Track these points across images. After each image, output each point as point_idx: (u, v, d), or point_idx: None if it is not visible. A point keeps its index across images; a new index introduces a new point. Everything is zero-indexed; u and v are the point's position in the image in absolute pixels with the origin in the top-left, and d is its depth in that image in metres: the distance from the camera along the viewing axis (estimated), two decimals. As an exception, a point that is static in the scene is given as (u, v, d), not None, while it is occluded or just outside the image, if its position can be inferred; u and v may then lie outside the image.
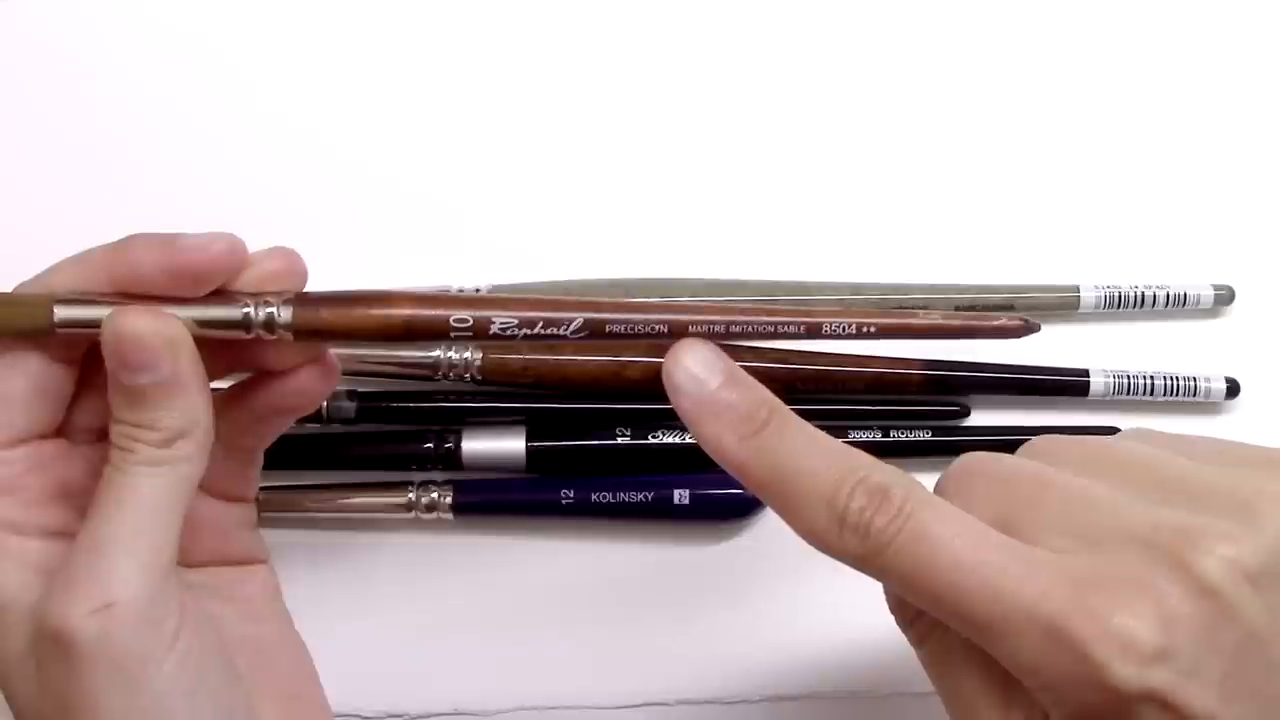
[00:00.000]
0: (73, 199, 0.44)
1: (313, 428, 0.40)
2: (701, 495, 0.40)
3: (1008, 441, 0.41)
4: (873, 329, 0.30)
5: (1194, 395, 0.41)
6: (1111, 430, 0.41)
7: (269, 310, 0.29)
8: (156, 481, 0.28)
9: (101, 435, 0.31)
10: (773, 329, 0.30)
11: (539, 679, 0.40)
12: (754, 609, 0.41)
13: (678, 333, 0.30)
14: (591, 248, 0.43)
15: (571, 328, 0.30)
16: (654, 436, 0.40)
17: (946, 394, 0.42)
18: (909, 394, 0.42)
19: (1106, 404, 0.42)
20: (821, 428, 0.40)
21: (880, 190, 0.44)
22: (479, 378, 0.40)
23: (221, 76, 0.45)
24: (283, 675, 0.33)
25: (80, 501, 0.30)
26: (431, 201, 0.43)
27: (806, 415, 0.41)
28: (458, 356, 0.40)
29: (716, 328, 0.30)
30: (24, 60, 0.45)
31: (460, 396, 0.41)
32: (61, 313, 0.29)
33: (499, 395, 0.41)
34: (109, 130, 0.44)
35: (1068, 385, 0.41)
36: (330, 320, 0.29)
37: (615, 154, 0.44)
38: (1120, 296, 0.42)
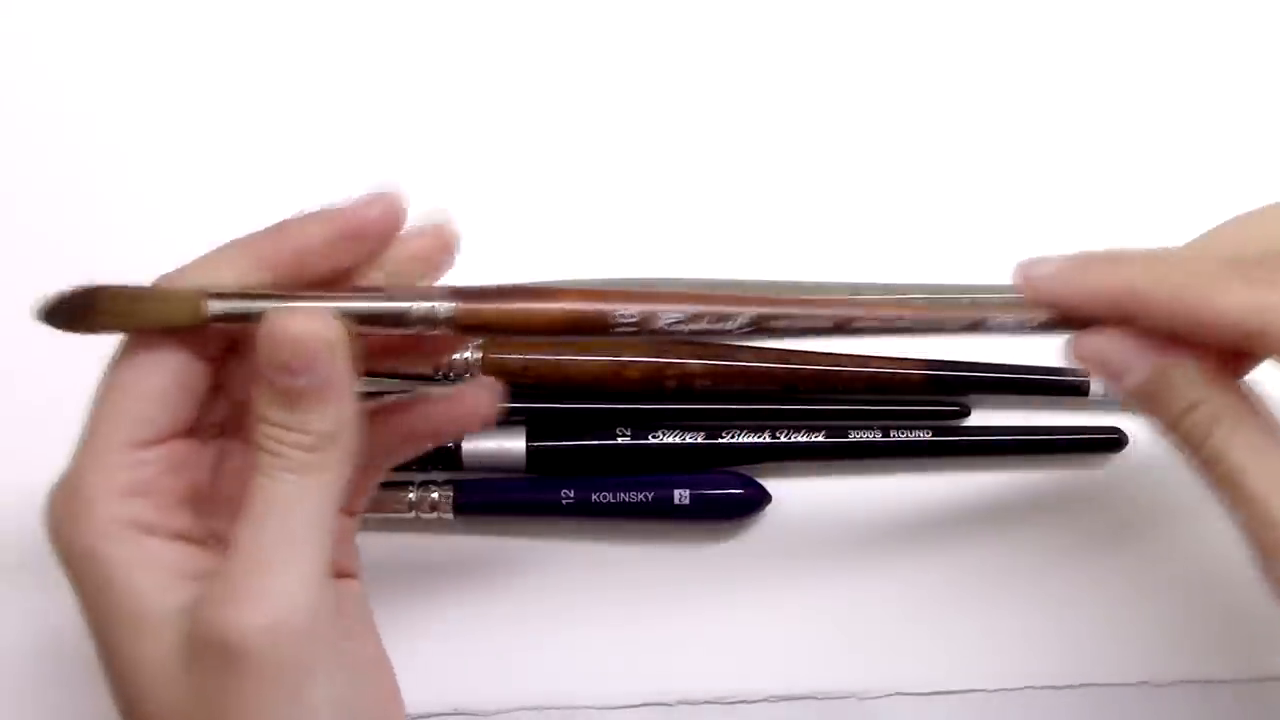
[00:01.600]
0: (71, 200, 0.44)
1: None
2: (701, 495, 0.40)
3: (1008, 442, 0.42)
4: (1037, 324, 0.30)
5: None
6: (1112, 430, 0.41)
7: (429, 305, 0.28)
8: (310, 488, 0.28)
9: (223, 430, 0.31)
10: (938, 325, 0.30)
11: (539, 679, 0.40)
12: (754, 609, 0.41)
13: (842, 328, 0.30)
14: (591, 247, 0.43)
15: (738, 323, 0.29)
16: (654, 436, 0.40)
17: (946, 394, 0.42)
18: (909, 394, 0.42)
19: (1107, 404, 0.42)
20: (821, 427, 0.41)
21: (880, 191, 0.44)
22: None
23: (216, 78, 0.45)
24: (376, 693, 0.33)
25: (206, 504, 0.30)
26: (433, 200, 0.43)
27: (807, 415, 0.41)
28: (458, 357, 0.40)
29: (881, 324, 0.30)
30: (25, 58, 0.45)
31: (460, 396, 0.41)
32: (214, 306, 0.28)
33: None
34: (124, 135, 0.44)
35: (1068, 385, 0.41)
36: (492, 315, 0.29)
37: (614, 155, 0.44)
38: None
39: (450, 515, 0.40)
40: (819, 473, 0.42)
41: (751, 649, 0.41)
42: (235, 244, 0.29)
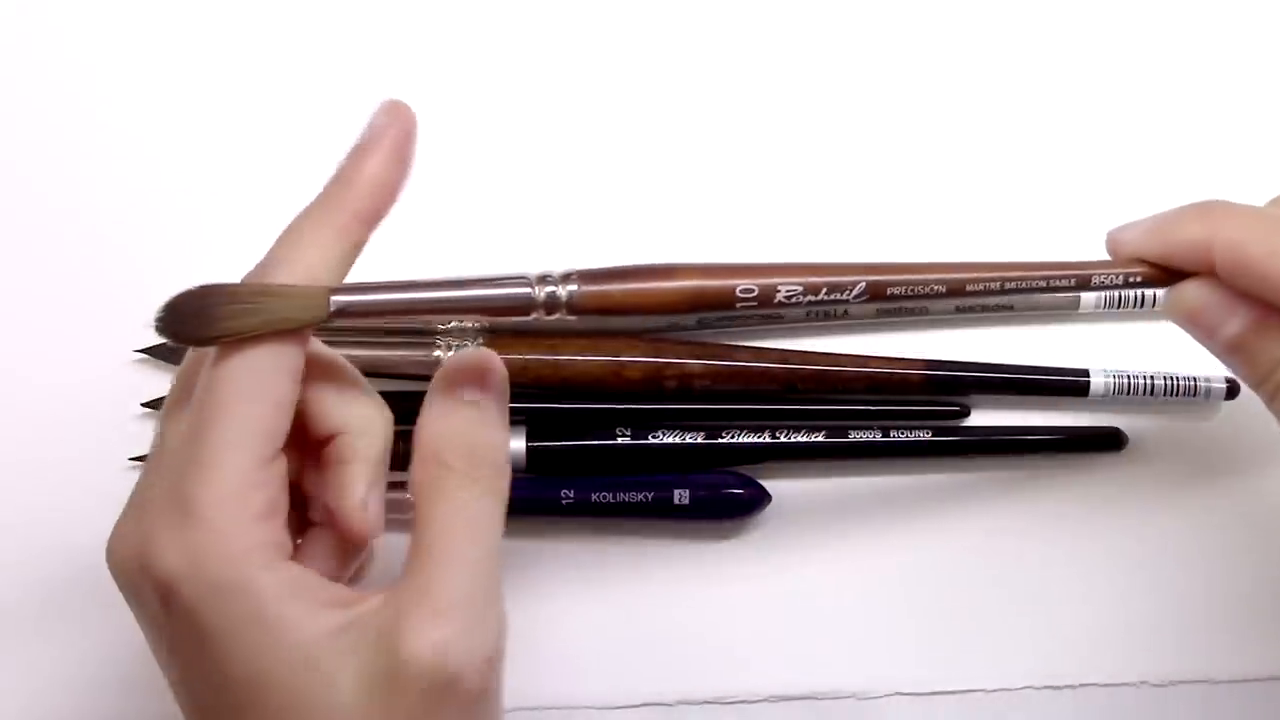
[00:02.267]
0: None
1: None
2: (701, 495, 0.40)
3: (1008, 442, 0.42)
4: (1139, 278, 0.31)
5: (1194, 395, 0.41)
6: (1112, 430, 0.41)
7: (551, 289, 0.28)
8: (490, 510, 0.28)
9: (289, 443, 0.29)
10: (1045, 283, 0.31)
11: (538, 679, 0.40)
12: (754, 609, 0.41)
13: (955, 292, 0.30)
14: (594, 241, 0.43)
15: (854, 292, 0.29)
16: (654, 436, 0.40)
17: (946, 394, 0.42)
18: (909, 394, 0.42)
19: (1106, 404, 0.42)
20: (821, 427, 0.41)
21: (882, 190, 0.44)
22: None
23: (222, 71, 0.45)
24: None
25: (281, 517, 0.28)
26: (436, 197, 0.43)
27: (807, 415, 0.41)
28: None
29: (992, 284, 0.30)
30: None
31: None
32: (336, 301, 0.27)
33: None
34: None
35: (1068, 385, 0.41)
36: (618, 296, 0.29)
37: (620, 148, 0.44)
38: (1120, 297, 0.42)
39: (450, 515, 0.40)
40: (819, 473, 0.42)
41: (751, 649, 0.41)
42: (308, 219, 0.28)
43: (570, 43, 0.45)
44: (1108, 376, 0.41)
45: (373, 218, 0.28)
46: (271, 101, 0.44)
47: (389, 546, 0.41)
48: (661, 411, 0.41)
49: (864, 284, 0.30)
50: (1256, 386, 0.30)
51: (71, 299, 0.42)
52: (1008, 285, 0.31)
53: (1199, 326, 0.30)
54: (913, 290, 0.30)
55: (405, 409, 0.40)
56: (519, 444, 0.40)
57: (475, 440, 0.28)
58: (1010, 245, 0.43)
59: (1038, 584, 0.41)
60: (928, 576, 0.41)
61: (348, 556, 0.31)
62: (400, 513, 0.40)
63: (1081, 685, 0.40)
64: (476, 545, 0.27)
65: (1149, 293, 0.42)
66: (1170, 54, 0.45)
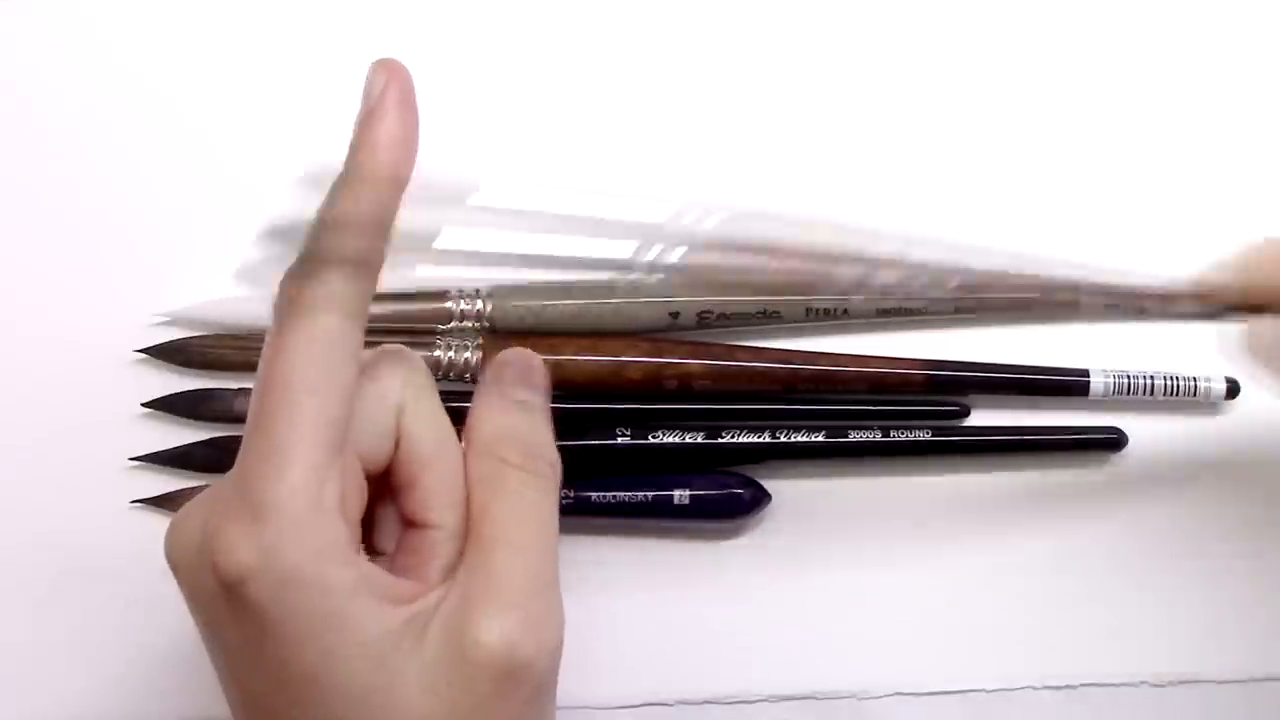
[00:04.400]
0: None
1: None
2: (701, 495, 0.40)
3: (1008, 442, 0.42)
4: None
5: (1194, 395, 0.41)
6: (1112, 430, 0.41)
7: (661, 261, 0.29)
8: (554, 506, 0.29)
9: None
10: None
11: (539, 679, 0.40)
12: (754, 609, 0.41)
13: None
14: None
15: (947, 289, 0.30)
16: (654, 436, 0.40)
17: (946, 394, 0.42)
18: (909, 394, 0.42)
19: (1106, 404, 0.42)
20: (821, 427, 0.41)
21: (881, 191, 0.44)
22: (479, 378, 0.40)
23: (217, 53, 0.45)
24: None
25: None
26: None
27: (807, 415, 0.41)
28: (458, 356, 0.40)
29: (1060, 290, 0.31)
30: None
31: (460, 397, 0.41)
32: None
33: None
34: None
35: (1068, 385, 0.41)
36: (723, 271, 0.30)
37: (616, 151, 0.44)
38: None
39: (450, 515, 0.40)
40: (819, 473, 0.42)
41: (751, 649, 0.41)
42: (343, 188, 0.27)
43: (563, 40, 0.45)
44: (1108, 376, 0.41)
45: (402, 179, 0.27)
46: (271, 96, 0.44)
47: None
48: (661, 411, 0.41)
49: (955, 282, 0.29)
50: None
51: (72, 299, 0.42)
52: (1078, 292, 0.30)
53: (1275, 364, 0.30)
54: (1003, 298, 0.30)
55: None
56: (519, 444, 0.40)
57: (531, 437, 0.29)
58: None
59: (1037, 584, 0.41)
60: (928, 576, 0.41)
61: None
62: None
63: (1081, 685, 0.41)
64: (539, 538, 0.28)
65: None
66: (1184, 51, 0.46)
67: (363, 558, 0.27)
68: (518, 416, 0.29)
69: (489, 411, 0.29)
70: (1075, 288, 0.30)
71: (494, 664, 0.26)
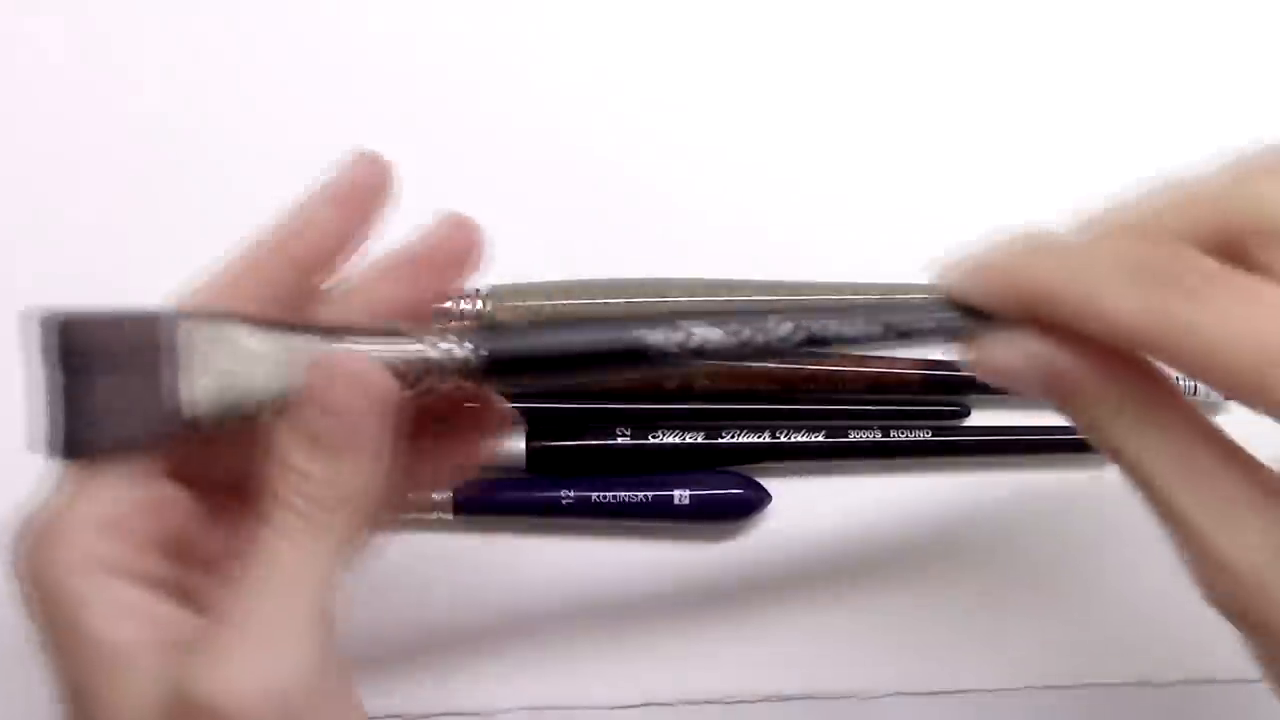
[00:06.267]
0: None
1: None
2: (701, 495, 0.40)
3: (1008, 442, 0.42)
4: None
5: (1193, 395, 0.41)
6: (1111, 430, 0.41)
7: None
8: (325, 554, 0.26)
9: (216, 489, 0.29)
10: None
11: (539, 679, 0.40)
12: (754, 609, 0.41)
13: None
14: (589, 247, 0.43)
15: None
16: (654, 436, 0.40)
17: (946, 394, 0.42)
18: (909, 394, 0.42)
19: (1106, 404, 0.42)
20: (821, 427, 0.41)
21: (880, 193, 0.44)
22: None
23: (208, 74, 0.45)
24: None
25: (186, 556, 0.28)
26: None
27: (807, 415, 0.41)
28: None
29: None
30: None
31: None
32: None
33: (499, 395, 0.41)
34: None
35: (1068, 385, 0.41)
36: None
37: (615, 153, 0.44)
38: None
39: (450, 515, 0.40)
40: (819, 473, 0.42)
41: (751, 649, 0.41)
42: (245, 253, 0.28)
43: (521, 64, 0.45)
44: (1108, 376, 0.41)
45: (310, 266, 0.28)
46: (268, 99, 0.45)
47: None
48: (661, 411, 0.41)
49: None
50: (1082, 433, 0.28)
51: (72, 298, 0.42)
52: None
53: (1007, 384, 0.28)
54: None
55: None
56: (519, 444, 0.40)
57: (311, 471, 0.26)
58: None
59: (1037, 584, 0.41)
60: (928, 576, 0.41)
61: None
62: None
63: (1081, 685, 0.41)
64: (275, 580, 0.26)
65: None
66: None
67: (131, 587, 0.27)
68: (305, 443, 0.26)
69: (284, 441, 0.27)
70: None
71: (201, 705, 0.25)
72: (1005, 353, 0.28)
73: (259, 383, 0.27)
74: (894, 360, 0.41)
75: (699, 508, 0.40)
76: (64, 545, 0.27)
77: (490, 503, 0.40)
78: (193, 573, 0.29)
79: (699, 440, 0.40)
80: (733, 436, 0.41)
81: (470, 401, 0.31)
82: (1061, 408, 0.28)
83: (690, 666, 0.40)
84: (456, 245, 0.29)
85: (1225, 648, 0.41)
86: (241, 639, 0.26)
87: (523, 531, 0.41)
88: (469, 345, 0.27)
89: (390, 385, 0.27)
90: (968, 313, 0.28)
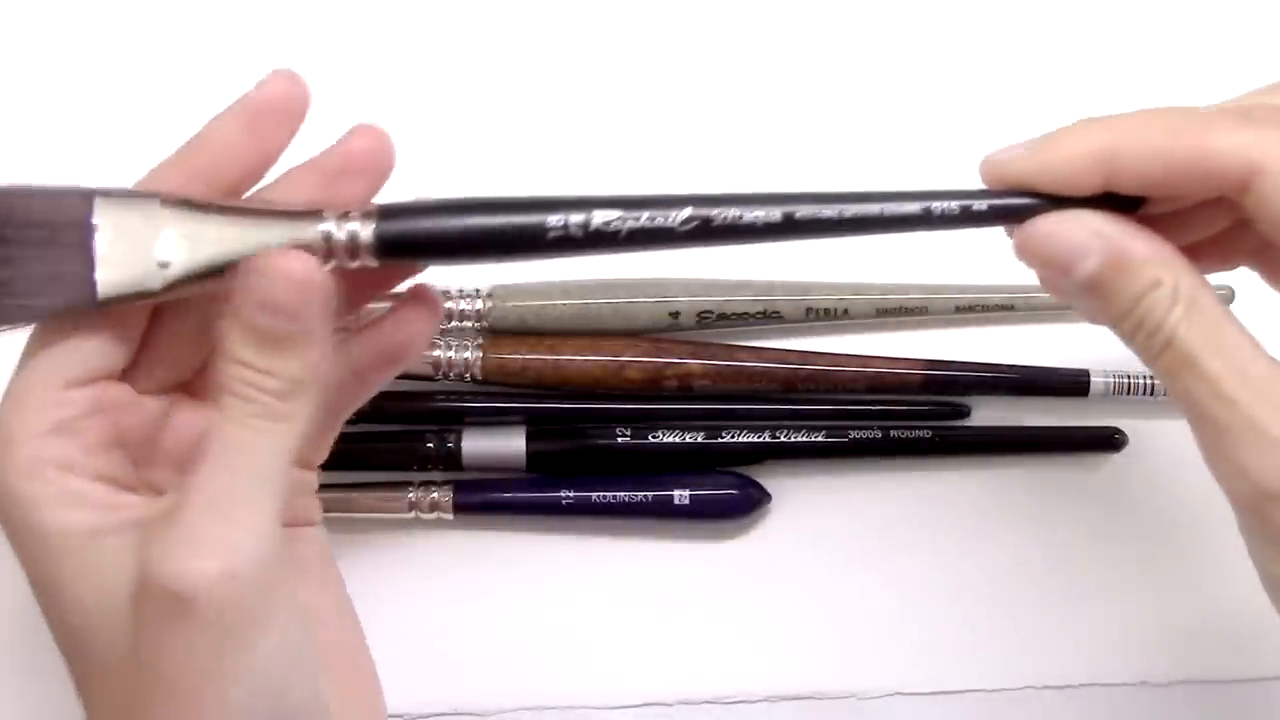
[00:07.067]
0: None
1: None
2: (701, 495, 0.40)
3: (1008, 442, 0.42)
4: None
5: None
6: (1112, 430, 0.41)
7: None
8: (275, 438, 0.27)
9: (161, 388, 0.30)
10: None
11: (539, 679, 0.40)
12: (754, 609, 0.41)
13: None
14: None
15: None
16: (654, 436, 0.40)
17: (946, 394, 0.42)
18: (909, 394, 0.42)
19: (1106, 404, 0.42)
20: (821, 427, 0.41)
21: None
22: (479, 377, 0.40)
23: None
24: (338, 643, 0.32)
25: (145, 454, 0.30)
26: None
27: (807, 415, 0.41)
28: (458, 356, 0.40)
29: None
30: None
31: (460, 396, 0.41)
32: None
33: (499, 395, 0.41)
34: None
35: (1068, 385, 0.41)
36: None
37: (613, 148, 0.44)
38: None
39: (450, 515, 0.40)
40: (819, 473, 0.42)
41: (751, 649, 0.41)
42: (158, 168, 0.29)
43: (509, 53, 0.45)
44: (1108, 376, 0.41)
45: (216, 181, 0.29)
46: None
47: (378, 546, 0.41)
48: (661, 411, 0.41)
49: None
50: (1114, 324, 0.29)
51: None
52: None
53: (1054, 265, 0.28)
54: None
55: (404, 409, 0.41)
56: (519, 444, 0.40)
57: (255, 363, 0.27)
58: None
59: (1038, 584, 0.41)
60: (928, 576, 0.41)
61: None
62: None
63: (1081, 685, 0.41)
64: (228, 464, 0.27)
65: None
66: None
67: (81, 479, 0.28)
68: (249, 338, 0.27)
69: (228, 336, 0.27)
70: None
71: (158, 587, 0.26)
72: (1068, 228, 0.28)
73: (173, 259, 0.27)
74: (894, 360, 0.41)
75: (699, 508, 0.40)
76: (10, 453, 0.28)
77: (490, 503, 0.40)
78: (159, 470, 0.30)
79: (699, 440, 0.40)
80: (733, 436, 0.41)
81: (394, 287, 0.31)
82: (1104, 294, 0.28)
83: (690, 666, 0.40)
84: (365, 152, 0.29)
85: (1225, 648, 0.41)
86: (199, 520, 0.26)
87: (523, 531, 0.41)
88: (370, 225, 0.28)
89: (323, 276, 0.27)
90: (1003, 207, 0.29)
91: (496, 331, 0.41)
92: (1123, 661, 0.41)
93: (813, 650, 0.41)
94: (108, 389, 0.29)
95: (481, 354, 0.40)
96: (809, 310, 0.42)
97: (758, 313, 0.41)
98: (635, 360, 0.40)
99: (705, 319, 0.41)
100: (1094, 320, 0.30)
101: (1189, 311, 0.28)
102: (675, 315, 0.41)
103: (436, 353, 0.40)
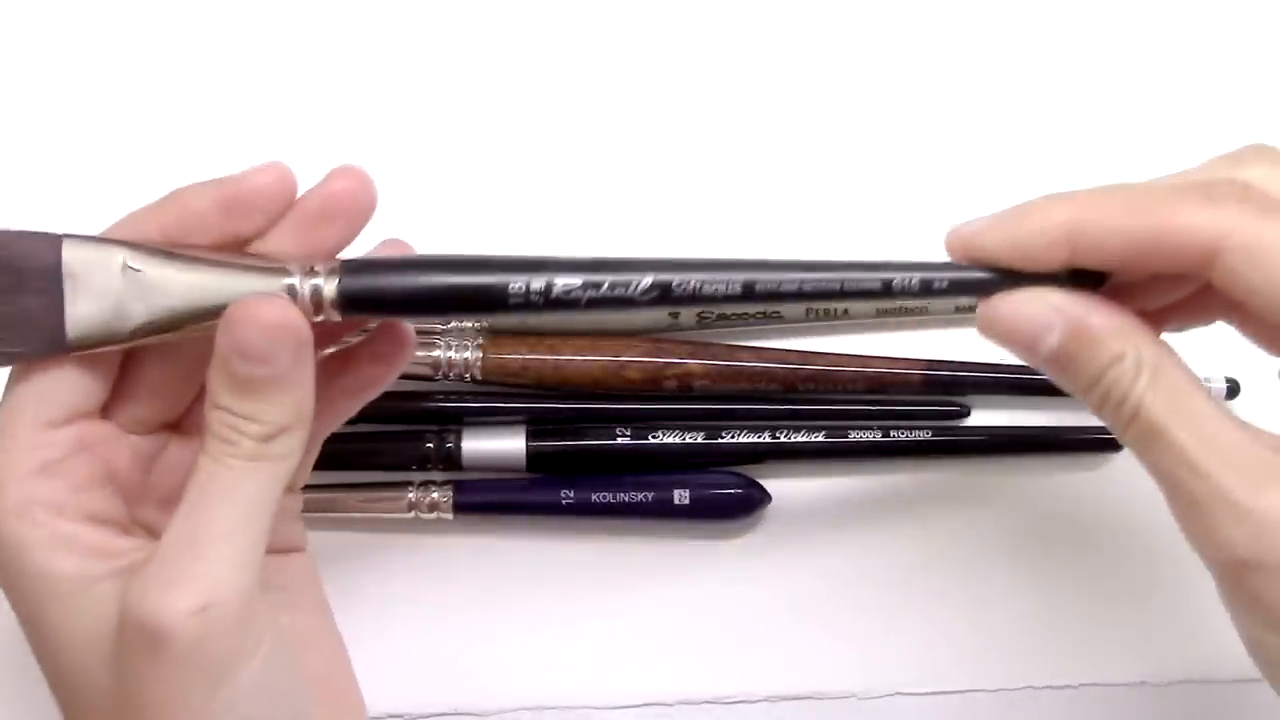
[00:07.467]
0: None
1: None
2: (701, 495, 0.40)
3: (1008, 442, 0.42)
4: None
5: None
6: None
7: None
8: (257, 477, 0.27)
9: (149, 428, 0.31)
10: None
11: (539, 679, 0.40)
12: (753, 609, 0.41)
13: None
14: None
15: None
16: (654, 436, 0.40)
17: (946, 394, 0.42)
18: (909, 394, 0.42)
19: (1106, 404, 0.42)
20: (821, 427, 0.41)
21: (881, 193, 0.44)
22: (479, 378, 0.40)
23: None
24: (323, 667, 0.33)
25: (134, 492, 0.30)
26: (417, 212, 0.43)
27: (807, 415, 0.41)
28: (458, 356, 0.40)
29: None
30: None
31: (460, 396, 0.41)
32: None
33: (499, 395, 0.41)
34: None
35: (1068, 385, 0.41)
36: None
37: (602, 153, 0.44)
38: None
39: (450, 515, 0.40)
40: (819, 473, 0.42)
41: (751, 649, 0.41)
42: (125, 219, 0.29)
43: (506, 69, 0.45)
44: (1108, 376, 0.41)
45: (186, 238, 0.29)
46: (270, 100, 0.45)
47: (378, 546, 0.41)
48: (661, 411, 0.41)
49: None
50: (1083, 396, 0.29)
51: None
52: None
53: (1018, 342, 0.29)
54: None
55: (404, 409, 0.41)
56: (519, 444, 0.40)
57: (236, 409, 0.27)
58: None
59: (1038, 583, 0.41)
60: (928, 576, 0.41)
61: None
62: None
63: (1081, 685, 0.41)
64: (209, 503, 0.27)
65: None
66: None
67: (73, 523, 0.28)
68: (230, 384, 0.27)
69: (211, 381, 0.28)
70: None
71: (137, 624, 0.27)
72: (1029, 306, 0.28)
73: (139, 306, 0.28)
74: (894, 360, 0.41)
75: (699, 508, 0.40)
76: (2, 494, 0.28)
77: (490, 503, 0.40)
78: (151, 508, 0.30)
79: (699, 440, 0.40)
80: (733, 436, 0.41)
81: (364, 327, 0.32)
82: (1069, 368, 0.29)
83: (690, 666, 0.40)
84: (345, 194, 0.29)
85: (1225, 648, 0.41)
86: (176, 557, 0.27)
87: (523, 531, 0.41)
88: (334, 281, 0.28)
89: (300, 320, 0.27)
90: (964, 281, 0.29)
91: (496, 331, 0.41)
92: (1123, 661, 0.41)
93: (813, 650, 0.41)
94: (90, 427, 0.29)
95: (481, 354, 0.40)
96: (809, 310, 0.42)
97: (758, 313, 0.41)
98: (635, 360, 0.40)
99: (705, 319, 0.41)
100: (1066, 392, 0.30)
101: (1154, 380, 0.28)
102: (675, 315, 0.41)
103: (436, 353, 0.40)
